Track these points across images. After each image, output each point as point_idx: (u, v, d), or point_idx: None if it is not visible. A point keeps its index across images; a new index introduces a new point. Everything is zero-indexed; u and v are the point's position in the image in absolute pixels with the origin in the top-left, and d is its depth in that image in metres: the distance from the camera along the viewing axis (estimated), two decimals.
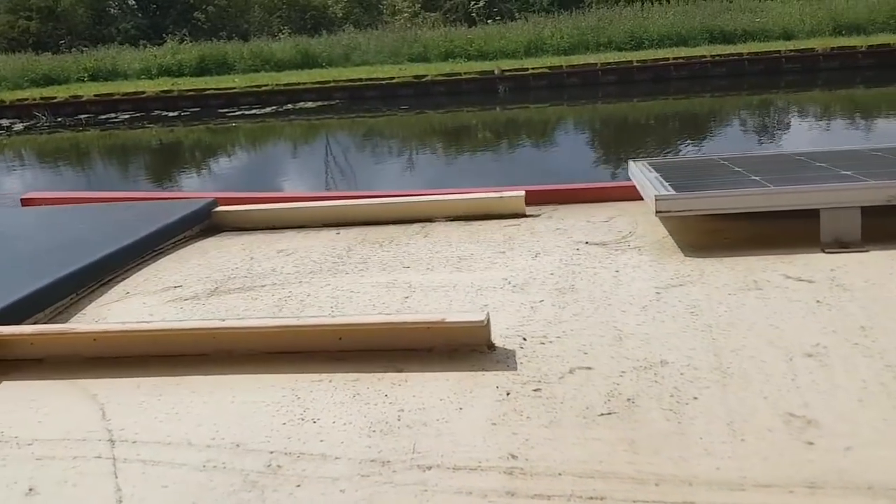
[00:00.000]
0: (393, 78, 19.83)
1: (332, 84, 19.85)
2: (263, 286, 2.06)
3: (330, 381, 1.54)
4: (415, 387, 1.49)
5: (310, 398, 1.49)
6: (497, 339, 1.62)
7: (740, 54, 20.27)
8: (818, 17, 22.71)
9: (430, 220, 2.62)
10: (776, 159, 2.51)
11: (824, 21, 22.49)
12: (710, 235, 2.09)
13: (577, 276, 1.91)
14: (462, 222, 2.57)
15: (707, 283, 1.77)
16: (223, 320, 1.67)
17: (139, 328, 1.66)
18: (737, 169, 2.36)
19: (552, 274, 1.94)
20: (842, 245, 1.89)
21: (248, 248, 2.46)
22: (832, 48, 19.92)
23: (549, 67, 19.92)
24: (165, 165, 14.51)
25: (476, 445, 1.31)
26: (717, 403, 1.35)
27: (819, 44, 20.30)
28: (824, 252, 1.87)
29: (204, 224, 2.76)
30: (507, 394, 1.44)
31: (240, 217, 2.76)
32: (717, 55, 20.32)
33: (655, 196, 1.96)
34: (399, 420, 1.40)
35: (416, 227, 2.56)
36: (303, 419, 1.43)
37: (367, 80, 19.94)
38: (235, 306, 1.94)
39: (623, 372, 1.46)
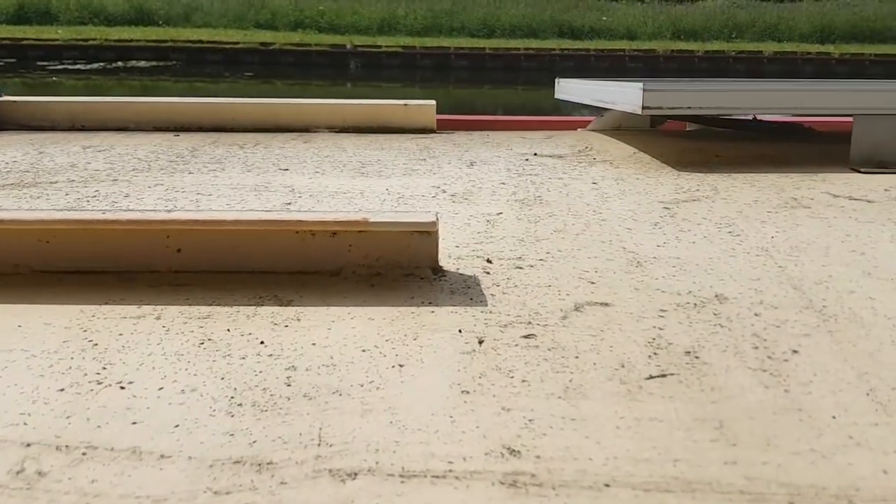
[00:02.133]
0: (237, 43, 18.65)
1: (169, 44, 18.37)
2: (54, 183, 1.33)
3: (157, 319, 0.87)
4: (315, 329, 0.85)
5: (115, 346, 0.81)
6: (444, 260, 1.00)
7: (587, 50, 20.66)
8: (659, 20, 23.67)
9: (307, 129, 1.96)
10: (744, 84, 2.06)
11: (665, 25, 23.47)
12: (694, 154, 1.58)
13: (540, 187, 1.33)
14: (352, 134, 1.93)
15: (730, 199, 1.24)
16: None
17: None
18: (706, 78, 1.89)
19: (503, 183, 1.36)
20: (878, 164, 1.42)
21: (38, 143, 1.71)
22: (672, 51, 20.71)
23: (403, 47, 19.46)
24: None
25: (441, 432, 0.70)
26: (833, 360, 0.80)
27: (660, 46, 21.07)
28: (859, 171, 1.40)
29: None
30: (480, 342, 0.83)
31: (34, 110, 1.98)
32: (566, 49, 20.61)
33: (643, 88, 1.40)
34: (289, 385, 0.76)
35: (290, 134, 1.90)
36: (99, 383, 0.76)
37: (208, 42, 18.62)
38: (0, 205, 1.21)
39: (663, 311, 0.89)
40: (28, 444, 0.68)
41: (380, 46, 19.51)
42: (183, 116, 2.00)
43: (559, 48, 20.92)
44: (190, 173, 1.40)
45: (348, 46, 19.38)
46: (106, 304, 0.89)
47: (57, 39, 18.74)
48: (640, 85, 1.42)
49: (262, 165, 1.48)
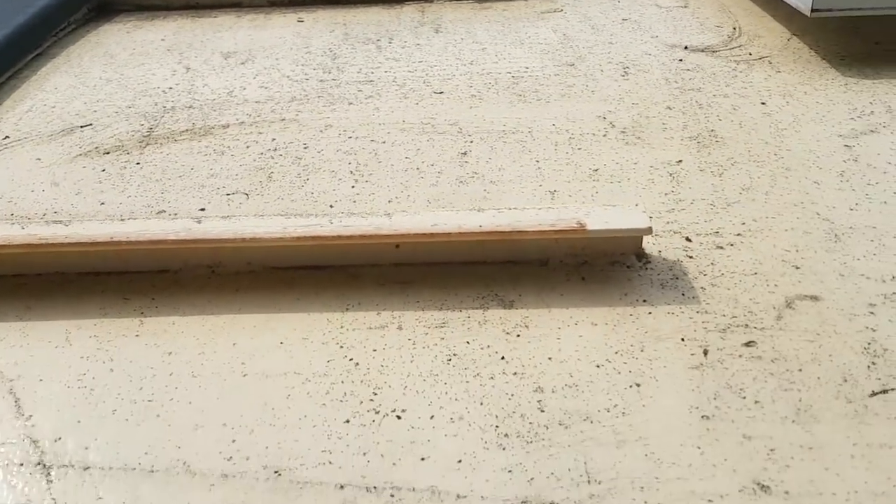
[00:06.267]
0: None
1: None
2: (226, 129, 1.36)
3: (399, 329, 0.94)
4: (545, 339, 0.93)
5: (375, 366, 0.90)
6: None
7: None
8: None
9: None
10: None
11: None
12: (852, 40, 1.51)
13: (709, 114, 1.31)
14: (472, 3, 1.88)
15: None
16: (200, 219, 1.00)
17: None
18: None
19: (670, 108, 1.34)
20: None
21: (177, 50, 1.70)
22: None
23: None
24: None
25: (677, 463, 0.78)
26: None
27: None
28: None
29: (92, 1, 1.94)
30: (705, 353, 0.90)
31: None
32: None
33: None
34: (543, 411, 0.85)
35: (410, 9, 1.85)
36: (377, 412, 0.85)
37: None
38: (190, 166, 1.26)
39: (872, 306, 0.94)
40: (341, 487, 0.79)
41: None
42: None
43: None
44: (350, 104, 1.41)
45: None
46: (347, 310, 0.97)
47: None
48: None
49: (413, 85, 1.47)
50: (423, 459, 0.81)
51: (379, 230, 0.98)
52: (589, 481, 0.78)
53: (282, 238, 0.98)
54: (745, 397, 0.85)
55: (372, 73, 1.54)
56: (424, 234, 0.98)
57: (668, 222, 1.08)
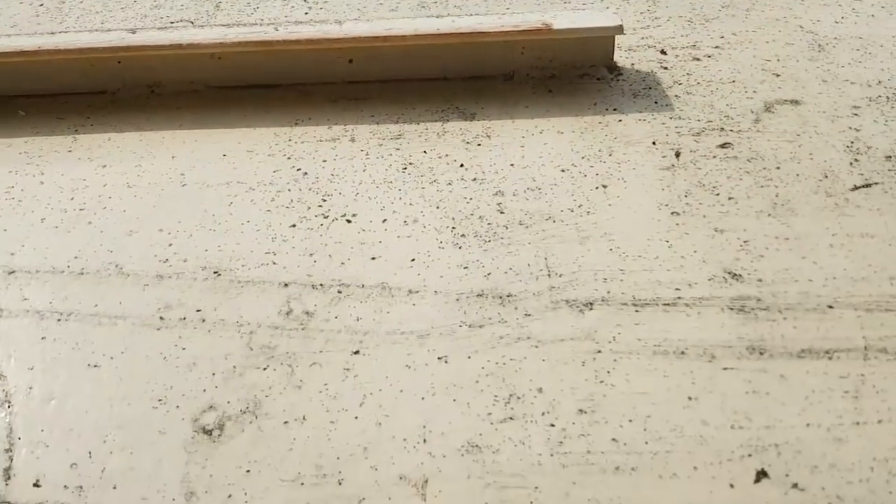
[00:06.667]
0: None
1: None
2: None
3: (352, 141, 0.88)
4: (508, 147, 0.86)
5: (325, 175, 0.84)
6: (616, 51, 0.97)
7: None
8: None
9: None
10: None
11: None
12: None
13: None
14: None
15: None
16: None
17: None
18: None
19: None
20: None
21: None
22: None
23: None
24: None
25: (643, 256, 0.73)
26: None
27: None
28: None
29: None
30: (677, 155, 0.84)
31: None
32: None
33: None
34: (503, 213, 0.79)
35: None
36: (326, 217, 0.80)
37: None
38: None
39: (856, 108, 0.88)
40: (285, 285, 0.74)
41: None
42: None
43: None
44: None
45: None
46: (296, 124, 0.91)
47: None
48: None
49: None
50: (373, 259, 0.75)
51: (328, 35, 0.91)
52: (549, 275, 0.73)
53: (222, 44, 0.90)
54: (718, 194, 0.79)
55: None
56: (377, 38, 0.90)
57: (642, 38, 1.01)
